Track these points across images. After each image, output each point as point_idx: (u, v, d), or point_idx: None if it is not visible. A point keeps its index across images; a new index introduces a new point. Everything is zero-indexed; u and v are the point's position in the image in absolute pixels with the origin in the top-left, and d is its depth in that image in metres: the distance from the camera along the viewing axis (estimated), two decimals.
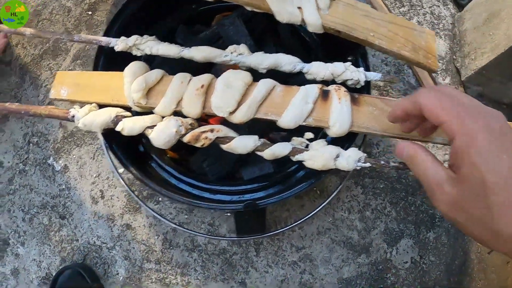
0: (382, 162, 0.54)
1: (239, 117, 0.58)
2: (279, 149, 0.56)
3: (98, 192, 0.88)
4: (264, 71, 0.62)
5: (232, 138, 0.57)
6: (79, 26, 0.99)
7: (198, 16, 0.79)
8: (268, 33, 0.75)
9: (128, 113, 0.61)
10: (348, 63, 0.62)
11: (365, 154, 0.54)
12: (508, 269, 0.82)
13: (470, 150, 0.31)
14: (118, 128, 0.58)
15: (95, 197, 0.88)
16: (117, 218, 0.86)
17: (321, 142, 0.58)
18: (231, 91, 0.58)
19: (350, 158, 0.54)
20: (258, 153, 0.57)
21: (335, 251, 0.83)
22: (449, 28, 1.01)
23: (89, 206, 0.87)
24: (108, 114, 0.59)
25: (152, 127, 0.58)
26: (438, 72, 0.97)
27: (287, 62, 0.61)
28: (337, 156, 0.56)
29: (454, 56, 0.99)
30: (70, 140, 0.92)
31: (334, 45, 0.73)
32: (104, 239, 0.85)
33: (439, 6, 1.04)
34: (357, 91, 0.64)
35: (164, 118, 0.59)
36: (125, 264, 0.84)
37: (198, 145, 0.56)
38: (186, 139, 0.57)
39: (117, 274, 0.84)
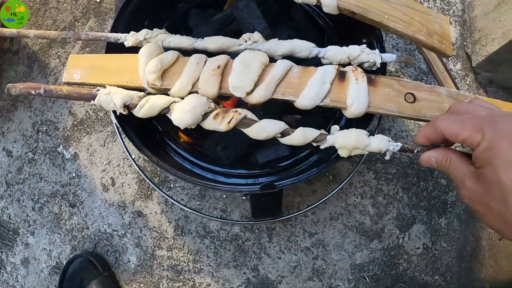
0: (412, 144, 0.52)
1: (256, 97, 0.57)
2: (308, 132, 0.54)
3: (109, 179, 0.87)
4: (279, 58, 0.61)
5: (256, 121, 0.56)
6: (87, 14, 0.99)
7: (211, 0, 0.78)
8: (282, 16, 0.74)
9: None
10: (364, 46, 0.62)
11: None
12: None
13: (490, 154, 0.34)
14: (141, 103, 0.56)
15: (106, 184, 0.87)
16: (128, 206, 0.85)
17: (337, 127, 0.57)
18: (248, 71, 0.57)
19: (382, 140, 0.53)
20: (283, 139, 0.55)
21: (347, 236, 0.82)
22: (459, 14, 1.01)
23: (99, 193, 0.87)
24: (127, 93, 0.58)
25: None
26: (449, 58, 0.96)
27: (303, 47, 0.61)
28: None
29: (464, 42, 0.99)
30: (80, 127, 0.91)
31: (348, 29, 0.73)
32: (115, 226, 0.85)
33: None
34: (372, 73, 0.64)
35: (186, 97, 0.58)
36: (136, 251, 0.83)
37: (221, 126, 0.55)
38: (211, 118, 0.56)
39: (129, 261, 0.83)
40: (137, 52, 0.62)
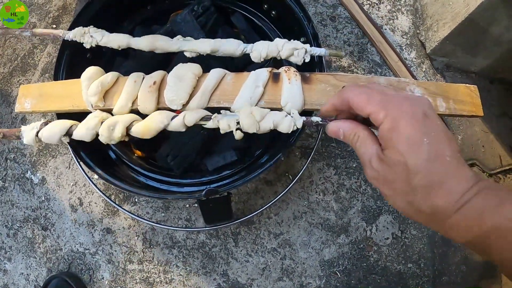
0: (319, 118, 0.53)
1: (192, 108, 0.59)
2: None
3: (77, 200, 0.89)
4: (208, 51, 0.62)
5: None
6: (44, 41, 1.01)
7: (154, 17, 0.80)
8: (222, 24, 0.76)
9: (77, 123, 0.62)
10: (292, 40, 0.63)
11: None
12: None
13: (393, 134, 0.33)
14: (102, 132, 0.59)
15: (74, 205, 0.89)
16: (97, 223, 0.87)
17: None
18: (182, 83, 0.59)
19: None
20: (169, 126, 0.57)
21: (313, 234, 0.83)
22: (410, 3, 1.02)
23: (69, 214, 0.88)
24: (62, 125, 0.61)
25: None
26: (403, 47, 0.97)
27: (231, 44, 0.62)
28: None
29: (417, 31, 1.00)
30: (45, 152, 0.93)
31: (288, 30, 0.74)
32: (87, 245, 0.86)
33: None
34: (312, 70, 0.65)
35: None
36: (109, 267, 0.85)
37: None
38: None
39: (102, 278, 0.85)
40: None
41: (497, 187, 0.33)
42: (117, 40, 0.66)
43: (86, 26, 0.74)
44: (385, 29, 0.97)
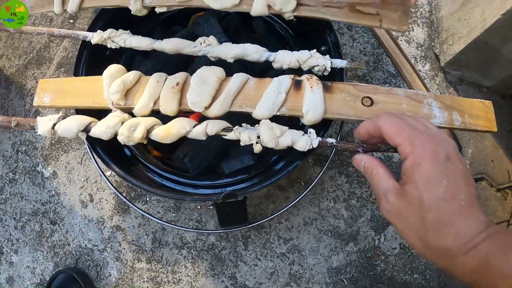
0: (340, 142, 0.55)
1: (214, 111, 0.59)
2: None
3: (87, 196, 0.89)
4: (231, 60, 0.63)
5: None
6: None
7: (175, 17, 0.80)
8: (243, 29, 0.76)
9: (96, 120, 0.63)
10: (314, 50, 0.63)
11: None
12: None
13: (415, 171, 0.36)
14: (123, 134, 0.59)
15: (85, 201, 0.89)
16: (107, 220, 0.87)
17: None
18: (205, 86, 0.59)
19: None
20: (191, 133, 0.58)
21: (322, 240, 0.84)
22: (426, 15, 1.03)
23: (79, 210, 0.88)
24: (80, 121, 0.61)
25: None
26: (418, 59, 0.98)
27: (254, 51, 0.63)
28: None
29: (432, 43, 1.00)
30: (57, 146, 0.93)
31: (309, 38, 0.75)
32: (95, 241, 0.86)
33: None
34: (332, 79, 0.66)
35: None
36: (116, 265, 0.85)
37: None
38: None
39: (110, 275, 0.85)
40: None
41: (508, 233, 0.34)
42: (140, 44, 0.66)
43: (107, 24, 0.75)
44: (401, 40, 0.98)
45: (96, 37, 0.68)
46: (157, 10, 0.68)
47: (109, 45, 0.69)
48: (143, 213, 0.72)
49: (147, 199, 0.87)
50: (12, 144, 0.95)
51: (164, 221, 0.73)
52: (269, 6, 0.63)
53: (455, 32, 0.96)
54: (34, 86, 0.98)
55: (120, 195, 0.70)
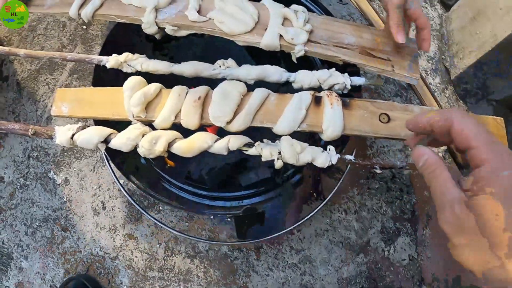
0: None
1: (236, 126, 0.60)
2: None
3: (100, 203, 0.89)
4: (252, 82, 0.64)
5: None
6: (74, 41, 1.01)
7: None
8: None
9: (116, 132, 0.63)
10: (333, 69, 0.64)
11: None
12: None
13: (495, 181, 0.31)
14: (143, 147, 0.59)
15: (97, 208, 0.89)
16: (119, 228, 0.87)
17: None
18: (228, 101, 0.60)
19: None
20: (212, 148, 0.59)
21: (333, 251, 0.84)
22: (437, 28, 1.04)
23: (91, 217, 0.88)
24: (101, 132, 0.61)
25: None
26: (428, 72, 0.99)
27: (274, 72, 0.63)
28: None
29: (443, 56, 1.02)
30: (69, 153, 0.93)
31: None
32: (107, 249, 0.87)
33: (426, 7, 1.06)
34: (348, 95, 0.66)
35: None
36: (128, 273, 0.85)
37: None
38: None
39: (121, 283, 0.85)
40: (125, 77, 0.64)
41: None
42: (158, 68, 0.66)
43: (121, 42, 0.75)
44: None
45: (111, 61, 0.68)
46: (168, 31, 0.68)
47: (124, 70, 0.68)
48: (157, 222, 0.72)
49: (160, 208, 0.87)
50: (24, 150, 0.95)
51: (177, 231, 0.74)
52: (280, 37, 0.64)
53: (466, 45, 0.97)
54: (46, 92, 0.98)
55: (135, 205, 0.70)
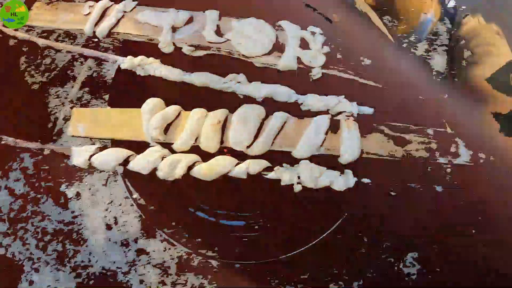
0: None
1: (256, 151, 0.60)
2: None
3: (112, 218, 0.89)
4: (260, 99, 0.65)
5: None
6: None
7: None
8: None
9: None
10: (342, 96, 0.65)
11: None
12: None
13: None
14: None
15: (109, 223, 0.89)
16: (131, 243, 0.87)
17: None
18: (248, 125, 0.61)
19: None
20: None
21: None
22: (446, 43, 1.04)
23: (102, 232, 0.89)
24: (119, 154, 0.62)
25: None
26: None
27: (283, 92, 0.64)
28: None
29: (452, 71, 1.02)
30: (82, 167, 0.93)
31: None
32: (119, 264, 0.87)
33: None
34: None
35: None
36: None
37: None
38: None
39: None
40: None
41: None
42: (170, 75, 0.67)
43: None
44: None
45: (127, 63, 0.69)
46: (185, 51, 0.69)
47: (138, 72, 0.69)
48: (170, 239, 0.73)
49: (173, 224, 0.87)
50: (35, 163, 0.95)
51: (190, 247, 0.74)
52: (298, 59, 0.66)
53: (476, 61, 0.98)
54: (57, 105, 0.98)
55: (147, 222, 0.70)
